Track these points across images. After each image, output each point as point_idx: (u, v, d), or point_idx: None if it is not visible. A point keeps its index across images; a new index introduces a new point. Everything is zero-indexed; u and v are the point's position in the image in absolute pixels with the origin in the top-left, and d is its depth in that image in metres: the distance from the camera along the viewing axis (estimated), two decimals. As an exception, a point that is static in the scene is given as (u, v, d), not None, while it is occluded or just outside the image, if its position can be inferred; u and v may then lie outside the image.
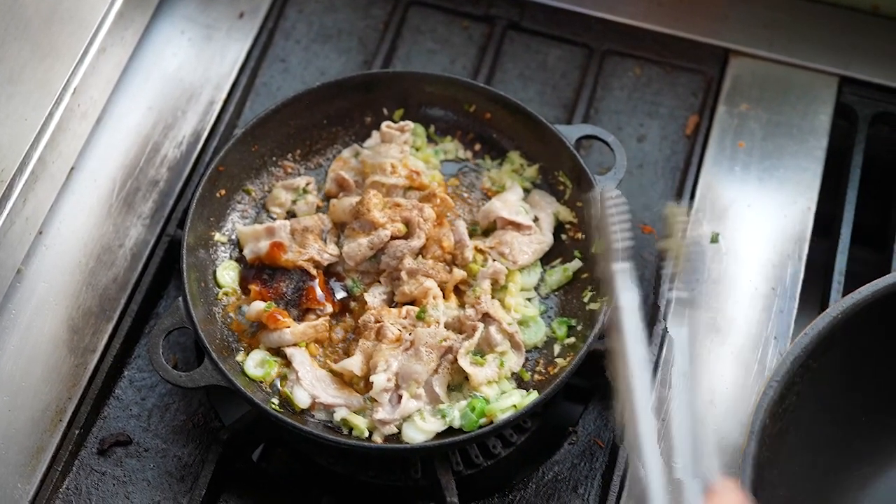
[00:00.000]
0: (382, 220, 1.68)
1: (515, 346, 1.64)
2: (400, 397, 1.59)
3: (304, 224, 1.72)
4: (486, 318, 1.64)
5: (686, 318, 1.08)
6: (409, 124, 1.80)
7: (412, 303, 1.67)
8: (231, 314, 1.69)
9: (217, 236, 1.74)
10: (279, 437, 1.73)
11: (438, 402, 1.60)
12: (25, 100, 1.69)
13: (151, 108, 1.91)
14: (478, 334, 1.61)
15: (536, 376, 1.65)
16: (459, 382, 1.63)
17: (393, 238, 1.69)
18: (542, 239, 1.72)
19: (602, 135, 1.75)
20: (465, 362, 1.60)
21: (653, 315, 1.75)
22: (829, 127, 1.89)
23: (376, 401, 1.59)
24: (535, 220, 1.74)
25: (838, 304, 1.53)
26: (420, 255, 1.69)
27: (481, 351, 1.63)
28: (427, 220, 1.69)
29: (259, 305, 1.65)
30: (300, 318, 1.67)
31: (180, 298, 1.62)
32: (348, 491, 1.69)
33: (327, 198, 1.79)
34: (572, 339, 1.66)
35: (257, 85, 1.97)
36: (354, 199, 1.72)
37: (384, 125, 1.79)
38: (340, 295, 1.70)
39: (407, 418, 1.59)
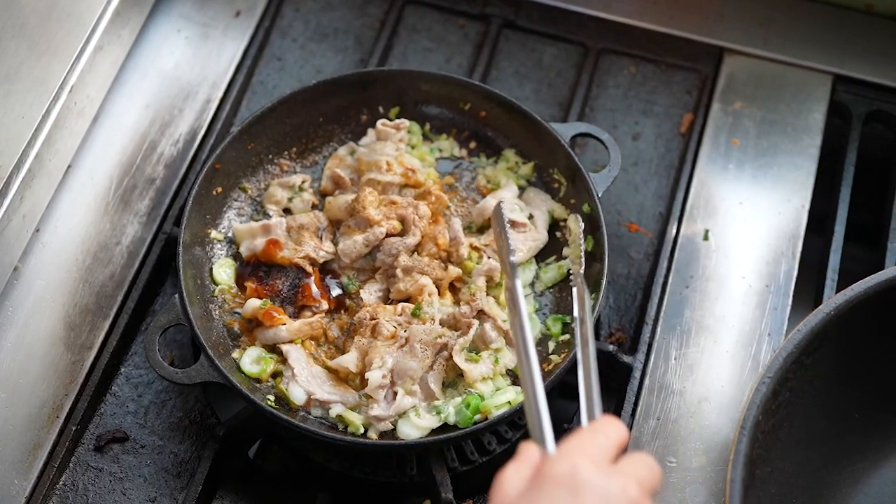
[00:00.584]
0: (378, 218, 1.69)
1: (510, 343, 1.65)
2: (395, 394, 1.59)
3: (299, 221, 1.72)
4: (481, 315, 1.65)
5: (578, 301, 1.45)
6: (405, 122, 1.80)
7: (408, 300, 1.68)
8: (227, 311, 1.69)
9: (213, 234, 1.74)
10: (275, 434, 1.73)
11: (433, 398, 1.61)
12: (22, 98, 1.70)
13: (148, 107, 1.91)
14: (472, 331, 1.62)
15: (531, 373, 1.65)
16: (454, 379, 1.63)
17: (388, 235, 1.70)
18: (537, 236, 1.73)
19: (597, 133, 1.76)
20: (459, 359, 1.61)
21: (639, 319, 1.76)
22: (823, 125, 1.89)
23: (371, 397, 1.59)
24: (530, 217, 1.75)
25: (831, 300, 1.54)
26: (415, 253, 1.70)
27: (476, 348, 1.64)
28: (422, 217, 1.70)
29: (255, 303, 1.66)
30: (296, 316, 1.68)
31: (176, 296, 1.62)
32: (344, 487, 1.70)
33: (323, 195, 1.80)
34: (567, 337, 1.66)
35: (254, 83, 1.97)
36: (350, 197, 1.73)
37: (380, 123, 1.79)
38: (336, 292, 1.71)
39: (402, 415, 1.59)
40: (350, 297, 1.70)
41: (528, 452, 1.18)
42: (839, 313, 1.53)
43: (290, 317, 1.67)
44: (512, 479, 1.16)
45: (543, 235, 1.74)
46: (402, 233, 1.71)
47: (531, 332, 1.41)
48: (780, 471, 1.54)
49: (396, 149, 1.77)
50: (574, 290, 1.46)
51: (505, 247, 1.48)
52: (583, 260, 1.57)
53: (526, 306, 1.42)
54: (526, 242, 1.72)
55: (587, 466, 1.14)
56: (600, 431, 1.21)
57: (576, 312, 1.43)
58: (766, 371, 1.49)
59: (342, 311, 1.70)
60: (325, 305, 1.68)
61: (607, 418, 1.25)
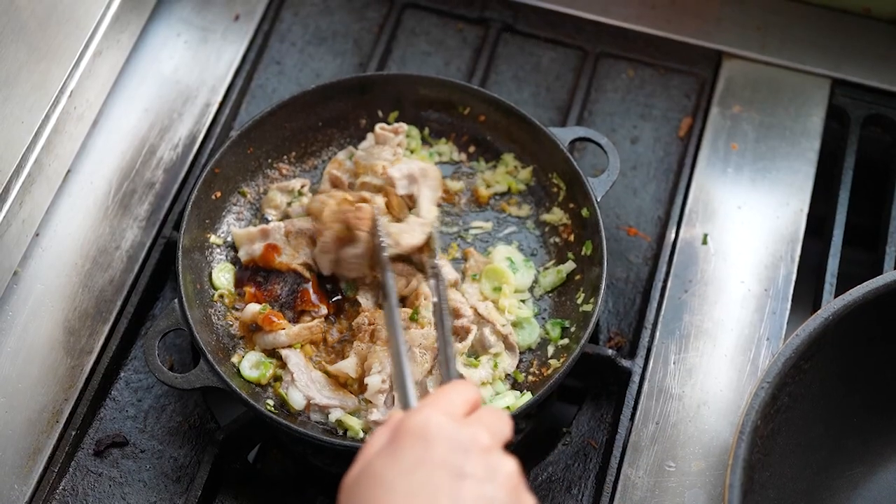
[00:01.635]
0: (329, 222, 1.67)
1: (509, 347, 1.65)
2: (394, 398, 1.59)
3: (298, 226, 1.72)
4: (480, 319, 1.65)
5: (434, 289, 1.57)
6: (403, 126, 1.80)
7: (404, 304, 1.68)
8: (226, 316, 1.69)
9: (212, 238, 1.75)
10: (275, 438, 1.74)
11: (433, 403, 1.61)
12: (22, 102, 1.70)
13: (147, 111, 1.91)
14: (471, 336, 1.62)
15: (530, 377, 1.65)
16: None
17: (340, 239, 1.67)
18: (422, 220, 1.70)
19: (595, 137, 1.76)
20: (458, 364, 1.61)
21: (638, 323, 1.76)
22: (822, 129, 1.90)
23: (371, 402, 1.59)
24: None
25: (829, 305, 1.54)
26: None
27: (475, 353, 1.64)
28: (362, 218, 1.66)
29: (254, 307, 1.66)
30: (295, 320, 1.68)
31: (176, 300, 1.62)
32: (343, 491, 1.70)
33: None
34: (566, 341, 1.66)
35: (253, 87, 1.97)
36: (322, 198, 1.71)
37: (378, 127, 1.79)
38: (335, 297, 1.71)
39: (401, 419, 1.59)
40: (348, 301, 1.71)
41: (392, 416, 1.24)
42: (838, 318, 1.53)
43: (289, 322, 1.67)
44: (375, 438, 1.22)
45: (430, 216, 1.72)
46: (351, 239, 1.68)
47: (398, 315, 1.50)
48: (778, 475, 1.54)
49: (394, 153, 1.77)
50: (432, 280, 1.58)
51: (378, 245, 1.62)
52: (437, 252, 1.67)
53: (396, 294, 1.55)
54: (411, 230, 1.68)
55: (438, 418, 1.19)
56: (452, 390, 1.27)
57: (433, 299, 1.55)
58: (765, 376, 1.49)
59: (341, 316, 1.70)
60: (323, 310, 1.68)
61: (460, 381, 1.35)
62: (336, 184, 1.77)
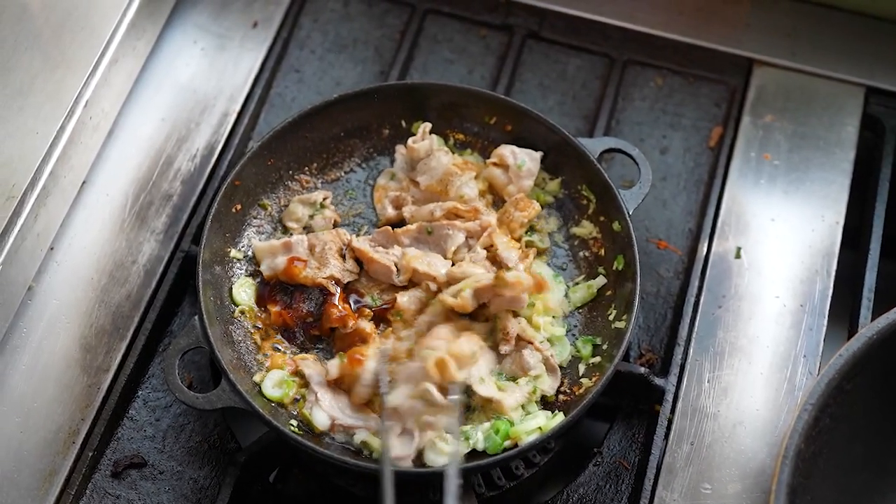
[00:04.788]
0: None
1: (551, 369, 1.60)
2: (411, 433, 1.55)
3: (322, 240, 1.67)
4: (519, 341, 1.60)
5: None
6: (428, 126, 1.75)
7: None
8: (247, 333, 1.65)
9: (233, 252, 1.70)
10: (295, 459, 1.69)
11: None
12: (36, 112, 1.66)
13: (164, 120, 1.86)
14: (508, 361, 1.58)
15: (562, 396, 1.61)
16: (482, 402, 1.58)
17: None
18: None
19: (627, 148, 1.72)
20: (484, 389, 1.55)
21: (670, 339, 1.71)
22: (856, 138, 1.85)
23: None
24: None
25: (873, 324, 1.49)
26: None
27: (514, 375, 1.59)
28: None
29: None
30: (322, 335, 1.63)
31: (196, 318, 1.57)
32: (368, 513, 1.66)
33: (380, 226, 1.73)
34: (598, 359, 1.62)
35: (272, 96, 1.92)
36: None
37: (410, 142, 1.74)
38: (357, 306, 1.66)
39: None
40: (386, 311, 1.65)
41: None
42: (881, 337, 1.49)
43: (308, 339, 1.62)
44: None
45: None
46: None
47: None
48: (819, 499, 1.50)
49: (446, 153, 1.73)
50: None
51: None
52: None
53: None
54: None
55: None
56: None
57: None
58: (808, 397, 1.44)
59: (380, 325, 1.64)
60: (352, 324, 1.63)
61: None
62: (398, 205, 1.72)
